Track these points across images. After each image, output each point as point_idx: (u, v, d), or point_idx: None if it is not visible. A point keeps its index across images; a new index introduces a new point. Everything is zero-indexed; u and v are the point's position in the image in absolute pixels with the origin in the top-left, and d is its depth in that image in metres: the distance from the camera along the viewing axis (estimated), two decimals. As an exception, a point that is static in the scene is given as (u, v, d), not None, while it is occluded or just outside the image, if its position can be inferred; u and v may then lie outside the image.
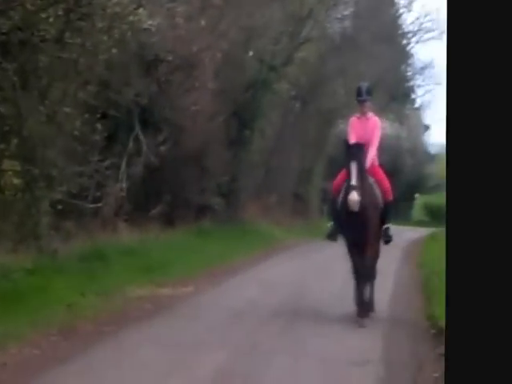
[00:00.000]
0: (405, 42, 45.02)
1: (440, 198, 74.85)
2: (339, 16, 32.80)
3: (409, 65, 53.08)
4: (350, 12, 34.76)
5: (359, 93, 11.38)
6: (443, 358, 8.77)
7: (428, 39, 42.46)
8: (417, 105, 59.22)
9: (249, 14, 22.22)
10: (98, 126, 14.90)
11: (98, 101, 15.59)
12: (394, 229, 36.08)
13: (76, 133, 14.01)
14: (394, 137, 53.69)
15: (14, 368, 8.23)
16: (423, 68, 52.76)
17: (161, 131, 19.19)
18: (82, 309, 11.35)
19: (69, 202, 15.42)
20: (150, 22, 14.16)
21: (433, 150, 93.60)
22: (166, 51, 17.15)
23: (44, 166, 13.36)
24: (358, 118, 11.43)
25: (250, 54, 23.48)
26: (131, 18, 13.37)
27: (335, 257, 21.58)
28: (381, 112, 51.46)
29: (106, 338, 9.80)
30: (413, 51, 51.43)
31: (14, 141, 12.84)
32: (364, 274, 11.47)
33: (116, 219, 18.73)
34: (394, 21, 41.10)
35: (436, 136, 76.25)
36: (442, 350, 9.33)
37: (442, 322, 10.54)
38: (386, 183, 11.56)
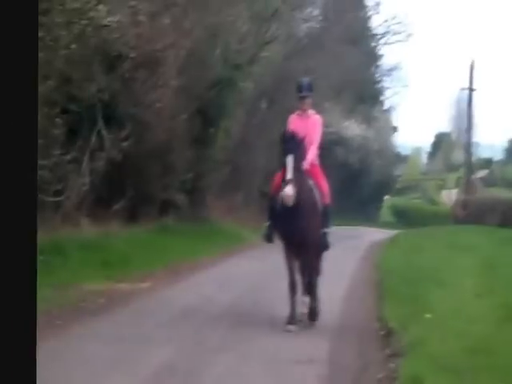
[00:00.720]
0: (373, 44, 45.30)
1: (407, 200, 75.69)
2: (305, 17, 32.92)
3: (377, 67, 53.48)
4: (317, 13, 34.94)
5: (299, 88, 10.81)
6: (390, 359, 9.00)
7: (395, 41, 42.73)
8: (385, 107, 59.67)
9: (214, 13, 22.28)
10: (58, 120, 14.88)
11: (59, 95, 15.56)
12: (361, 230, 36.62)
13: (35, 126, 13.95)
14: (362, 138, 54.12)
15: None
16: (391, 70, 53.22)
17: (124, 127, 19.16)
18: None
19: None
20: (109, 19, 14.17)
21: (403, 152, 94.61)
22: (128, 48, 17.15)
23: (0, 157, 13.31)
24: (299, 115, 10.88)
25: (217, 52, 23.48)
26: (91, 13, 13.37)
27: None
28: (348, 113, 52.13)
29: (54, 331, 9.82)
30: (381, 53, 51.91)
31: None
32: (304, 280, 10.90)
33: (78, 213, 18.70)
34: (362, 23, 41.32)
35: (404, 138, 76.88)
36: (389, 351, 9.50)
37: (392, 323, 10.74)
38: (325, 186, 10.93)
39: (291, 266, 10.66)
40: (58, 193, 17.20)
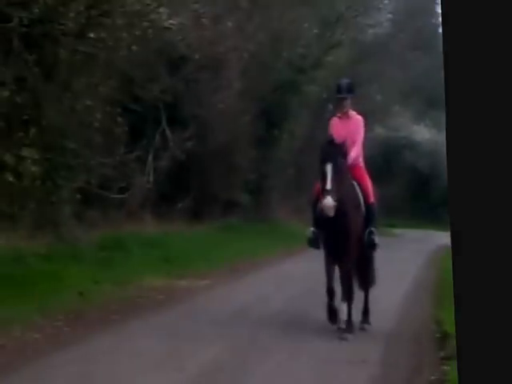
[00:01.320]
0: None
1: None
2: (371, 22, 32.74)
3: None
4: (385, 19, 34.70)
5: (339, 90, 10.57)
6: (443, 362, 8.86)
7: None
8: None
9: (277, 17, 22.33)
10: (119, 119, 15.08)
11: (121, 95, 15.77)
12: (430, 233, 35.92)
13: (96, 124, 14.19)
14: (432, 142, 53.43)
15: (11, 351, 8.38)
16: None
17: (187, 127, 19.34)
18: (94, 297, 11.51)
19: (93, 191, 15.64)
20: (170, 21, 14.31)
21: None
22: (192, 50, 17.29)
23: (63, 155, 13.58)
24: (340, 117, 10.66)
25: (281, 55, 23.49)
26: (152, 16, 13.52)
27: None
28: (418, 118, 51.54)
29: (110, 326, 9.93)
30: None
31: (33, 130, 13.05)
32: (344, 288, 10.40)
33: (141, 211, 18.95)
34: (433, 28, 40.87)
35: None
36: (444, 353, 9.36)
37: (448, 327, 10.57)
38: (368, 185, 10.69)
39: (330, 271, 10.34)
40: (122, 190, 17.43)
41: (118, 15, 13.64)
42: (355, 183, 10.42)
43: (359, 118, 10.66)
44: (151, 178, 18.29)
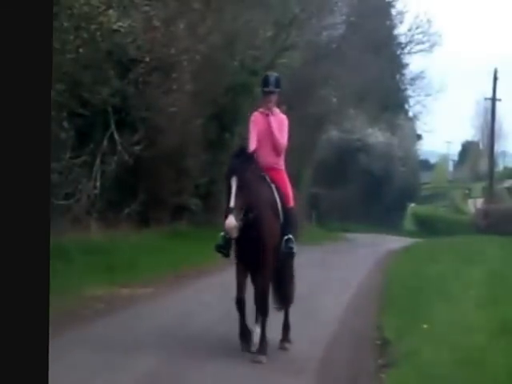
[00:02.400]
0: (398, 52, 45.24)
1: (430, 209, 75.35)
2: (325, 25, 32.90)
3: (402, 75, 53.41)
4: (339, 21, 34.90)
5: (265, 82, 9.71)
6: (382, 370, 8.96)
7: (419, 51, 42.61)
8: (409, 114, 59.53)
9: (231, 19, 22.33)
10: (65, 123, 14.97)
11: (68, 99, 15.66)
12: (381, 238, 36.20)
13: (41, 129, 14.05)
14: (386, 145, 53.99)
15: None
16: (414, 79, 53.08)
17: (136, 131, 19.25)
18: (31, 306, 11.36)
19: (37, 198, 15.49)
20: (119, 24, 14.24)
21: (431, 159, 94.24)
22: (142, 52, 17.23)
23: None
24: (263, 113, 9.72)
25: (233, 57, 23.49)
26: (100, 18, 13.45)
27: (310, 263, 21.86)
28: (373, 120, 52.03)
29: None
30: (405, 62, 51.83)
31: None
32: (257, 303, 9.61)
33: (87, 217, 18.78)
34: (386, 31, 41.23)
35: (428, 146, 76.37)
36: (382, 360, 9.46)
37: (388, 333, 10.69)
38: (288, 188, 9.80)
39: (241, 280, 9.40)
40: (68, 196, 17.32)
41: (66, 18, 13.56)
42: (273, 186, 9.56)
43: (284, 117, 9.81)
44: (98, 183, 18.16)
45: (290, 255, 9.73)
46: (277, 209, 9.45)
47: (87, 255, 15.69)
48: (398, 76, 52.55)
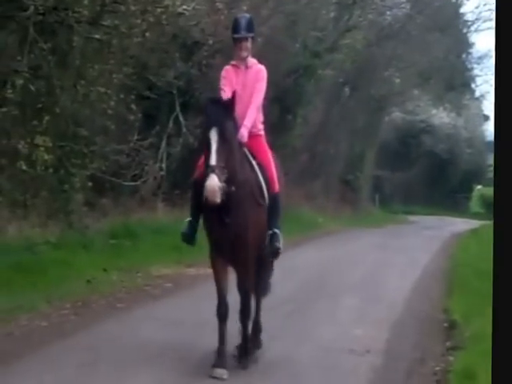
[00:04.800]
0: (464, 30, 44.44)
1: (496, 190, 73.78)
2: (389, 4, 32.53)
3: (468, 54, 52.47)
4: (404, 0, 34.46)
5: (236, 28, 7.86)
6: (450, 352, 8.94)
7: (486, 28, 41.72)
8: (476, 95, 58.46)
9: (293, 0, 22.27)
10: (133, 105, 15.19)
11: (135, 82, 15.87)
12: (446, 220, 35.74)
13: (110, 112, 14.30)
14: (451, 126, 53.21)
15: (18, 338, 8.56)
16: (481, 57, 52.05)
17: (201, 113, 19.36)
18: (101, 285, 11.67)
19: (105, 179, 15.77)
20: (184, 7, 14.38)
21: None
22: (206, 35, 17.34)
23: (76, 142, 13.73)
24: (235, 66, 7.98)
25: (296, 39, 23.45)
26: (166, 2, 13.60)
27: (374, 246, 21.85)
28: (437, 101, 51.27)
29: (115, 314, 10.07)
30: (471, 40, 50.84)
31: (46, 117, 13.19)
32: (242, 305, 7.82)
33: (154, 198, 19.02)
34: (452, 9, 40.52)
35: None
36: (451, 343, 9.43)
37: (456, 316, 10.64)
38: (272, 166, 7.88)
39: (221, 281, 7.67)
40: (135, 177, 17.55)
41: (132, 2, 13.74)
42: (254, 163, 7.71)
43: (261, 67, 8.03)
44: (164, 165, 18.37)
45: (275, 255, 7.97)
46: (263, 196, 7.64)
47: (154, 235, 15.94)
48: (464, 55, 51.55)
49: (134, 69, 15.54)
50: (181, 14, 14.92)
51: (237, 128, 7.41)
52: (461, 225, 35.67)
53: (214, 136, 7.07)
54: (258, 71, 7.97)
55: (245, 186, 7.38)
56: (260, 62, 8.19)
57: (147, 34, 14.02)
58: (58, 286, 10.88)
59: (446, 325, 10.61)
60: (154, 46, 15.67)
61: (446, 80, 48.37)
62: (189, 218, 7.79)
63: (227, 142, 7.11)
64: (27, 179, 13.00)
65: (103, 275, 12.26)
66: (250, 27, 7.92)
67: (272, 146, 25.32)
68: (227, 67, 8.00)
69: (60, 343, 8.48)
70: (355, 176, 36.90)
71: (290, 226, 23.16)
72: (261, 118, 8.06)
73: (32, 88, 12.81)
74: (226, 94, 7.58)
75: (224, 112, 7.19)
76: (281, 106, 24.08)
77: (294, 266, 16.23)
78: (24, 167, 12.75)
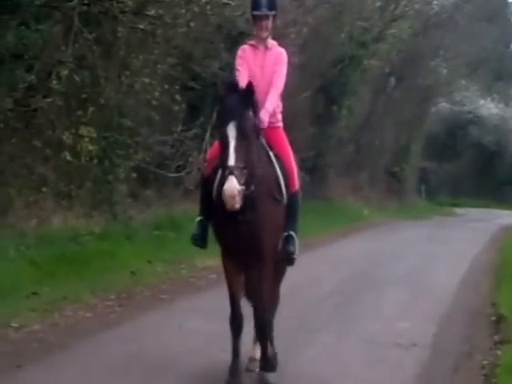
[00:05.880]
0: (512, 20, 43.85)
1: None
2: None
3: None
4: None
5: (256, 4, 7.05)
6: (498, 346, 8.78)
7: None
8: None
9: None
10: (177, 96, 15.14)
11: (180, 73, 15.83)
12: (494, 213, 35.43)
13: (154, 102, 14.27)
14: (499, 117, 52.43)
15: (63, 329, 8.58)
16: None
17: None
18: (146, 276, 11.65)
19: (149, 170, 15.76)
20: (229, -3, 14.33)
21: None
22: (251, 25, 17.20)
23: (120, 133, 13.73)
24: (253, 46, 7.14)
25: (342, 29, 23.28)
26: (210, -8, 13.55)
27: (420, 238, 21.64)
28: (485, 92, 50.56)
29: (160, 305, 10.05)
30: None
31: (91, 108, 13.20)
32: (257, 316, 6.92)
33: (198, 189, 18.97)
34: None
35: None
36: (499, 337, 9.26)
37: (504, 310, 10.45)
38: (292, 162, 7.02)
39: (234, 287, 6.83)
40: (179, 169, 17.51)
41: (178, -8, 13.70)
42: (272, 154, 6.84)
43: (282, 51, 7.19)
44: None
45: (289, 261, 7.05)
46: (281, 192, 6.77)
47: (198, 227, 15.84)
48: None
49: (178, 59, 15.49)
50: (226, 4, 14.84)
51: (258, 120, 6.56)
52: (508, 217, 35.14)
53: (232, 132, 6.20)
54: (279, 54, 7.14)
55: (262, 181, 6.49)
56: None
57: (192, 24, 13.95)
58: (103, 277, 10.88)
59: (493, 318, 10.49)
60: (198, 37, 15.58)
61: (494, 70, 47.79)
62: (199, 218, 7.04)
63: (246, 138, 6.22)
64: (72, 170, 13.02)
65: (147, 266, 12.24)
66: (271, 4, 7.09)
67: (318, 137, 25.29)
68: (244, 46, 7.21)
69: (105, 334, 8.51)
70: (401, 167, 36.60)
71: (335, 217, 23.17)
72: (280, 106, 7.21)
73: (77, 78, 12.81)
74: (241, 74, 6.91)
75: (243, 103, 6.31)
76: (326, 96, 23.96)
77: (340, 258, 16.15)
78: (69, 158, 12.77)
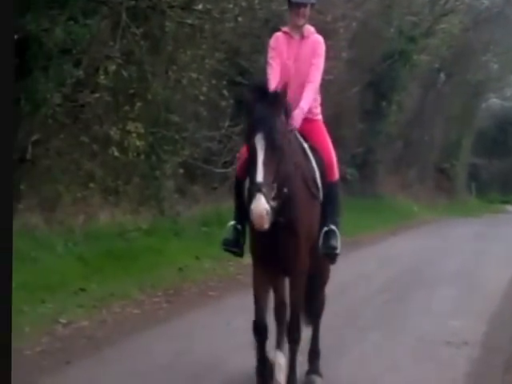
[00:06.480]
0: None
1: None
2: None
3: None
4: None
5: None
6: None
7: None
8: None
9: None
10: (225, 92, 15.06)
11: (227, 68, 15.75)
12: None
13: (202, 98, 14.21)
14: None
15: (111, 326, 8.54)
16: None
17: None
18: (193, 272, 11.61)
19: (197, 165, 15.71)
20: (277, -9, 14.20)
21: None
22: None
23: (168, 129, 13.69)
24: (288, 34, 6.52)
25: (391, 24, 23.07)
26: (258, -14, 13.44)
27: (471, 235, 21.31)
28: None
29: (208, 302, 9.98)
30: None
31: (138, 103, 13.18)
32: (287, 325, 6.41)
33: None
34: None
35: None
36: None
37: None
38: (330, 152, 6.58)
39: (260, 292, 6.29)
40: (226, 164, 17.44)
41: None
42: (306, 146, 6.35)
43: (319, 39, 6.57)
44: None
45: (331, 256, 6.51)
46: (316, 186, 6.24)
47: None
48: None
49: (226, 54, 15.43)
50: (273, -1, 14.72)
51: (288, 123, 5.94)
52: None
53: (260, 143, 5.56)
54: (316, 44, 6.52)
55: (296, 176, 5.95)
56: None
57: (239, 19, 13.87)
58: (150, 274, 10.84)
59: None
60: (246, 31, 15.51)
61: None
62: (232, 222, 6.56)
63: (277, 149, 5.59)
64: (119, 166, 13.02)
65: (195, 263, 12.19)
66: None
67: (367, 133, 25.12)
68: (278, 34, 6.57)
69: (153, 330, 8.47)
70: (451, 164, 36.23)
71: (385, 215, 22.95)
72: (318, 100, 6.70)
73: (124, 74, 12.80)
74: (272, 70, 6.38)
75: (272, 110, 5.64)
76: (375, 91, 23.78)
77: (390, 255, 15.96)
78: (116, 153, 12.76)
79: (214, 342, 8.02)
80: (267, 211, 5.45)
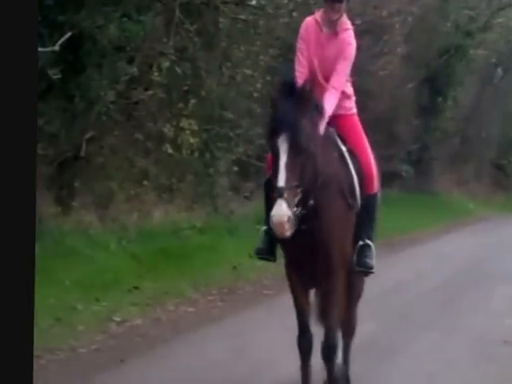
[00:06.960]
0: None
1: None
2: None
3: None
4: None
5: None
6: None
7: None
8: None
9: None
10: (278, 88, 14.94)
11: (281, 64, 15.62)
12: None
13: (256, 94, 14.11)
14: None
15: (165, 324, 8.52)
16: None
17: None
18: (247, 271, 11.53)
19: (250, 163, 15.63)
20: (329, -14, 14.00)
21: None
22: (354, 15, 16.90)
23: (221, 126, 13.62)
24: (319, 26, 5.94)
25: (448, 18, 22.75)
26: (312, -19, 13.28)
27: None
28: None
29: (262, 300, 9.90)
30: None
31: (192, 100, 13.13)
32: (325, 340, 5.94)
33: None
34: None
35: None
36: None
37: None
38: (369, 159, 6.02)
39: (301, 304, 6.03)
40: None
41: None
42: (344, 149, 5.81)
43: (350, 40, 5.93)
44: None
45: (366, 271, 6.02)
46: (354, 196, 5.75)
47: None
48: None
49: (280, 50, 15.28)
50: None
51: (321, 118, 5.43)
52: None
53: (283, 145, 5.11)
54: (345, 46, 5.90)
55: (331, 182, 5.48)
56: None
57: (294, 15, 13.72)
58: (204, 272, 10.80)
59: None
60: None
61: None
62: (264, 227, 5.95)
63: (301, 151, 5.12)
64: (173, 163, 12.99)
65: (249, 261, 12.04)
66: None
67: (422, 130, 24.87)
68: (308, 21, 6.02)
69: (207, 329, 8.44)
70: (509, 160, 35.61)
71: (440, 211, 22.67)
72: (350, 92, 6.10)
73: (178, 70, 12.75)
74: (300, 63, 5.90)
75: (298, 109, 5.18)
76: (431, 87, 23.49)
77: (446, 252, 15.72)
78: (170, 151, 12.73)
79: (268, 340, 7.94)
80: (288, 218, 5.02)
